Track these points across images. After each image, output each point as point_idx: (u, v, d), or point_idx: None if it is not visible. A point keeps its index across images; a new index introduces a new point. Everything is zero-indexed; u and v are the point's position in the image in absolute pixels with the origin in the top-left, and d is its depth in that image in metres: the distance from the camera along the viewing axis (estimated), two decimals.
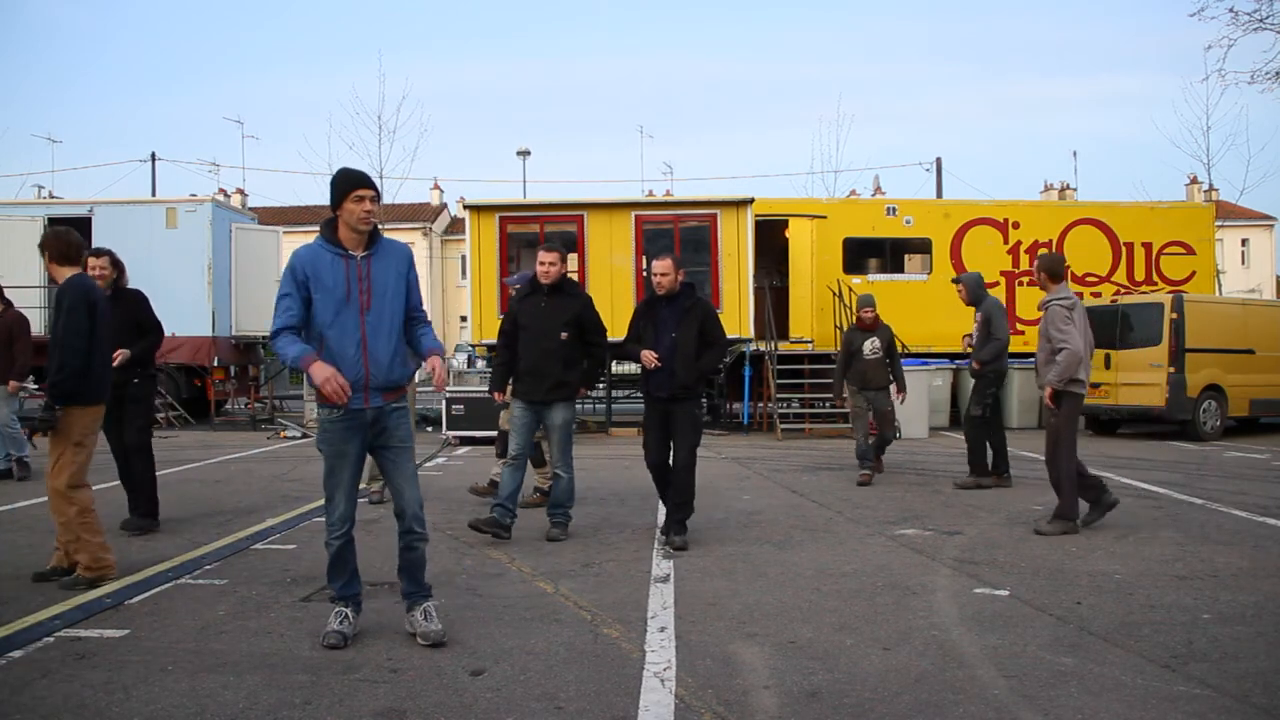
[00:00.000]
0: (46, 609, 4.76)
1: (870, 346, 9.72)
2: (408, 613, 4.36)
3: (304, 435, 14.93)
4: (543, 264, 6.50)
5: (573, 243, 15.59)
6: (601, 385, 15.93)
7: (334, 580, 4.36)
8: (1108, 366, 14.25)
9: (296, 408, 18.77)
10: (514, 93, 76.03)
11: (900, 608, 4.87)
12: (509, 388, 6.83)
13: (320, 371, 4.00)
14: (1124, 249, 17.75)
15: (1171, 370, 13.65)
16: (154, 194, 28.08)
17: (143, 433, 7.01)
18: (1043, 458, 11.55)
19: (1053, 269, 7.17)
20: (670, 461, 6.48)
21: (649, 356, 6.30)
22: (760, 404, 16.02)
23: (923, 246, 17.54)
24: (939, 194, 28.61)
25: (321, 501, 8.25)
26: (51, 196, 30.42)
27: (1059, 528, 6.85)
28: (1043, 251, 8.01)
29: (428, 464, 11.24)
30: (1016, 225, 17.56)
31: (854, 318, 10.58)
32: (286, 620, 4.64)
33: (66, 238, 5.46)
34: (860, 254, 17.32)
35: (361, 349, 4.15)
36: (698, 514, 7.03)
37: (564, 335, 6.46)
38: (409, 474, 4.35)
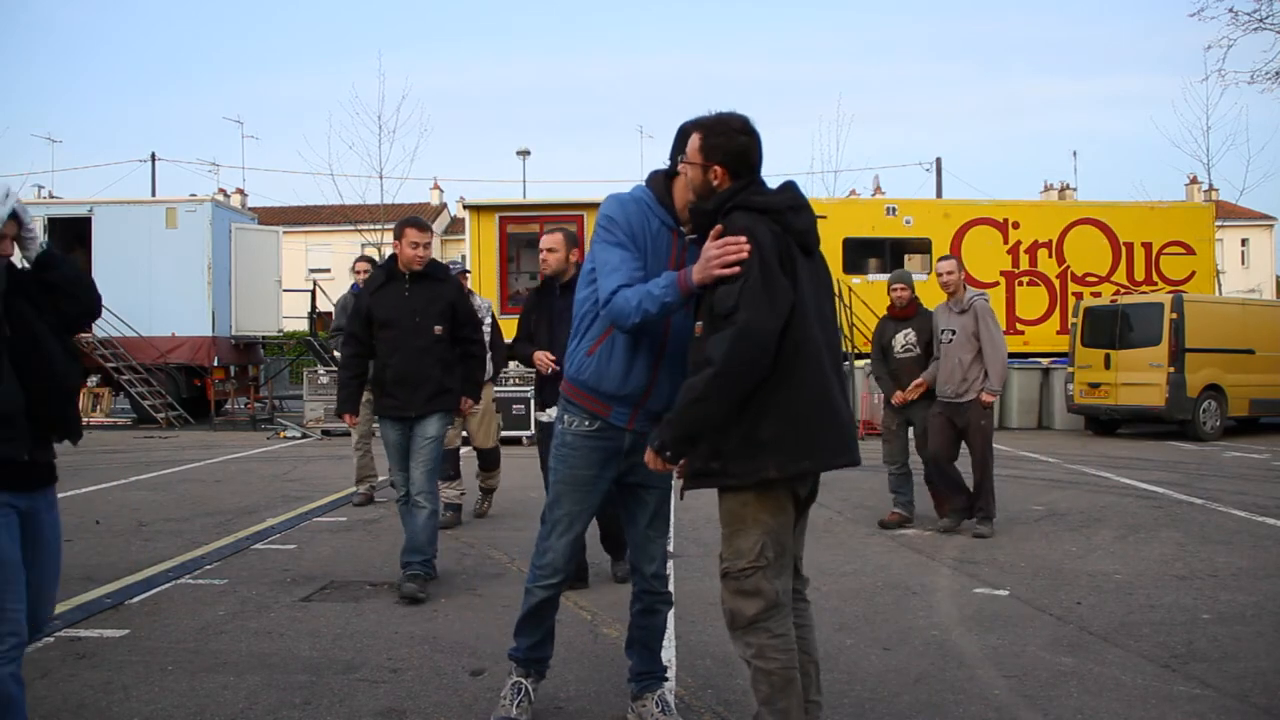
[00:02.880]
0: None
1: (904, 340, 7.41)
2: (635, 699, 3.38)
3: (304, 435, 14.93)
4: (416, 246, 5.18)
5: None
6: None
7: (521, 635, 3.40)
8: (1108, 366, 14.24)
9: (296, 408, 18.77)
10: (514, 93, 76.06)
11: (900, 608, 4.87)
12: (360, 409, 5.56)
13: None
14: (1124, 249, 17.73)
15: (1171, 370, 13.64)
16: (154, 194, 28.06)
17: None
18: (1042, 457, 11.58)
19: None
20: None
21: (543, 359, 5.19)
22: None
23: (923, 246, 17.52)
24: (939, 194, 28.59)
25: (323, 500, 8.17)
26: (51, 196, 30.41)
27: (991, 527, 6.83)
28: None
29: None
30: (1016, 225, 17.55)
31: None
32: (286, 620, 4.64)
33: None
34: (860, 254, 17.30)
35: (657, 356, 3.07)
36: (696, 513, 7.00)
37: (438, 330, 5.17)
38: (660, 519, 3.34)
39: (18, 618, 2.64)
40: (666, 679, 3.50)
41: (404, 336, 5.14)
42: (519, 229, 15.58)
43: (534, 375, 5.32)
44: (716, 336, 2.62)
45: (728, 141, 2.82)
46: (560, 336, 4.91)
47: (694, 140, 2.87)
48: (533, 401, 5.81)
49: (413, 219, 5.31)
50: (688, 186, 2.92)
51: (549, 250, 5.20)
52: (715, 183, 2.83)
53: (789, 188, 2.83)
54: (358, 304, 5.46)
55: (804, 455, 2.70)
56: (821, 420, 2.71)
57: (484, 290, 15.05)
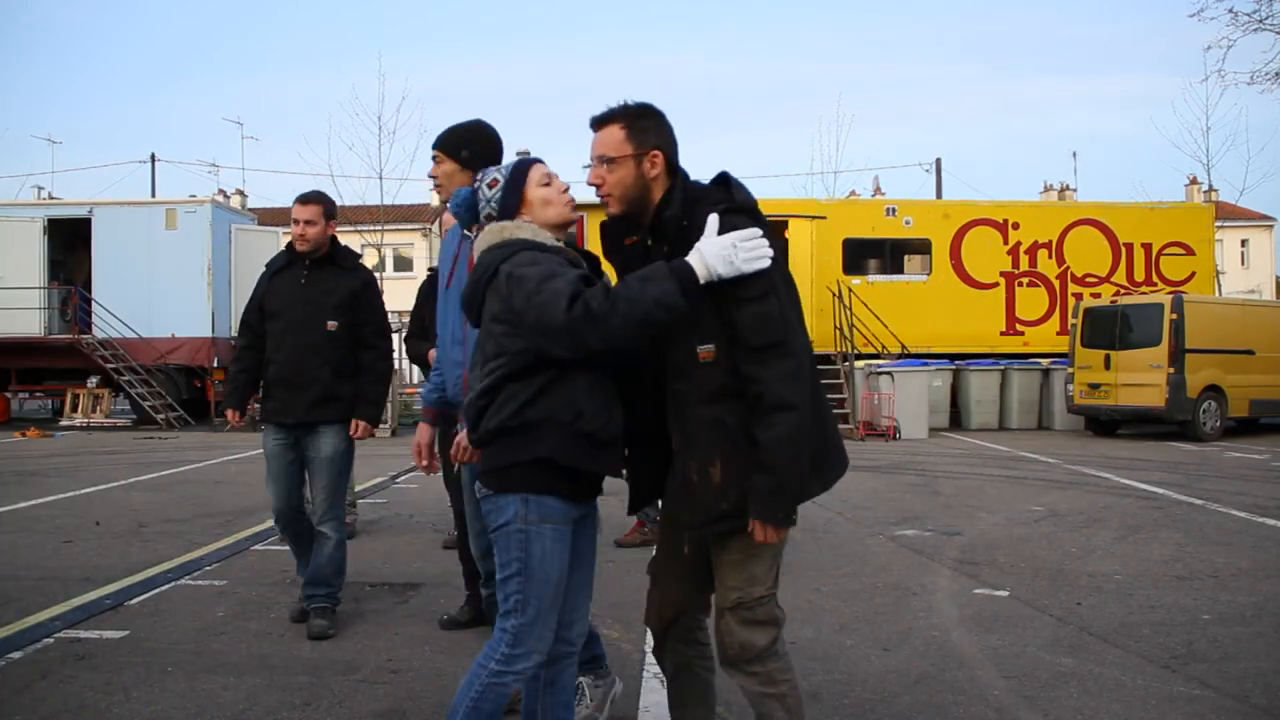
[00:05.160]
0: (46, 609, 4.75)
1: None
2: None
3: None
4: (298, 223, 4.53)
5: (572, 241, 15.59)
6: None
7: (584, 655, 3.13)
8: (1108, 367, 14.25)
9: None
10: (514, 93, 76.05)
11: (900, 608, 4.87)
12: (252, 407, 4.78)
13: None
14: (1124, 249, 17.74)
15: (1171, 371, 13.65)
16: (154, 195, 28.08)
17: None
18: (1042, 458, 11.57)
19: None
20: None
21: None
22: None
23: (922, 247, 17.54)
24: (939, 194, 28.60)
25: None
26: (51, 197, 30.38)
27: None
28: None
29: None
30: (1016, 225, 17.56)
31: None
32: (286, 621, 4.63)
33: None
34: (860, 254, 17.32)
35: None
36: None
37: (331, 325, 4.46)
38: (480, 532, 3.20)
39: (549, 636, 2.54)
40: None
41: (291, 330, 4.47)
42: None
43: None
44: (776, 374, 2.34)
45: (659, 124, 2.51)
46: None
47: (611, 133, 2.48)
48: None
49: (303, 193, 4.64)
50: (618, 193, 2.51)
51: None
52: (654, 174, 2.47)
53: (741, 184, 2.51)
54: (258, 287, 4.73)
55: (831, 465, 2.50)
56: (829, 438, 2.53)
57: None
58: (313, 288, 4.49)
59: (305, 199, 4.56)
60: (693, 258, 2.32)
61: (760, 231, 2.36)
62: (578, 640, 2.70)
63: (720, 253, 2.31)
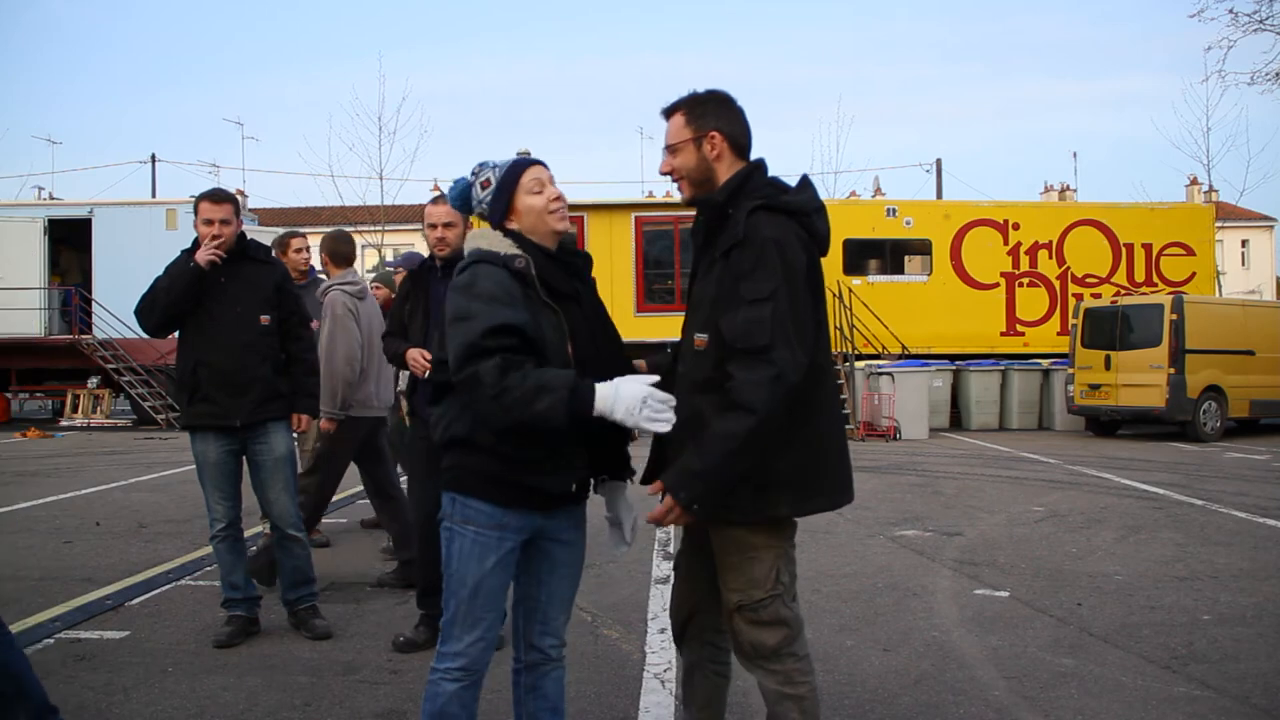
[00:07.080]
0: (47, 610, 4.76)
1: None
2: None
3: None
4: (210, 223, 4.26)
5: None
6: None
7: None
8: (1108, 368, 14.25)
9: None
10: (514, 93, 76.05)
11: (900, 609, 4.88)
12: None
13: None
14: (1124, 250, 17.74)
15: (1171, 371, 13.65)
16: (154, 195, 28.08)
17: None
18: (1042, 458, 11.57)
19: (334, 250, 5.61)
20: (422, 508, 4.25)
21: (417, 358, 4.17)
22: None
23: (923, 248, 17.54)
24: (939, 195, 28.60)
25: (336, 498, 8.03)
26: (52, 198, 30.39)
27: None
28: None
29: None
30: (1016, 226, 17.56)
31: None
32: (287, 621, 4.63)
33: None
34: (860, 255, 17.32)
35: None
36: None
37: (264, 319, 4.35)
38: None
39: (474, 642, 2.48)
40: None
41: (225, 328, 4.28)
42: None
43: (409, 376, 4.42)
44: (749, 377, 2.29)
45: (720, 107, 2.51)
46: (439, 329, 4.14)
47: (675, 120, 2.51)
48: (404, 403, 4.77)
49: (208, 191, 4.41)
50: (684, 175, 2.53)
51: (446, 225, 4.16)
52: (714, 154, 2.48)
53: (809, 186, 2.51)
54: None
55: (817, 492, 2.50)
56: (839, 454, 2.53)
57: None
58: (237, 284, 4.34)
59: (217, 197, 4.34)
60: (603, 389, 2.28)
61: (673, 403, 2.31)
62: (553, 650, 2.63)
63: (630, 398, 2.26)
